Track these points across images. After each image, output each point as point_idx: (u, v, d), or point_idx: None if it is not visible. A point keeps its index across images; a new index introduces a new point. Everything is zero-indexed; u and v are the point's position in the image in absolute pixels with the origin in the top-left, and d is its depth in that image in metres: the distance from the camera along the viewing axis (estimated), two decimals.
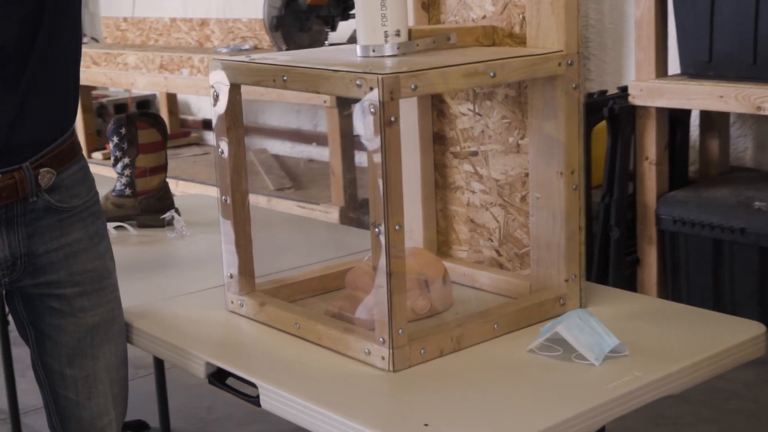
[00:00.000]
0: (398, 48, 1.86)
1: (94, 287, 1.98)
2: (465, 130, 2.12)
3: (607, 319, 1.95)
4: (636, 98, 4.11)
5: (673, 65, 4.23)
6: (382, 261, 1.69)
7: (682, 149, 4.44)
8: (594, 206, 4.33)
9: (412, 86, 1.67)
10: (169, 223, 2.78)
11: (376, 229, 1.70)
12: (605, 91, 4.41)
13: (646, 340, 1.89)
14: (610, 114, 4.14)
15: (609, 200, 4.22)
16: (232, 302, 2.06)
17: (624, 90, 4.21)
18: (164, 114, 6.64)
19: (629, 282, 4.32)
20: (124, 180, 2.83)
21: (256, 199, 5.07)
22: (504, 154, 2.05)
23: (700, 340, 1.89)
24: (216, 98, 2.00)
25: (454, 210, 2.18)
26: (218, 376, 1.89)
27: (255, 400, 1.80)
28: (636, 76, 4.20)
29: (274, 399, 1.75)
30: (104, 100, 6.77)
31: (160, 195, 2.85)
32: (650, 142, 4.16)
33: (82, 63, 6.74)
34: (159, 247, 2.67)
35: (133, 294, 2.25)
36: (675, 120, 4.34)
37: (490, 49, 1.98)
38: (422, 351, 1.77)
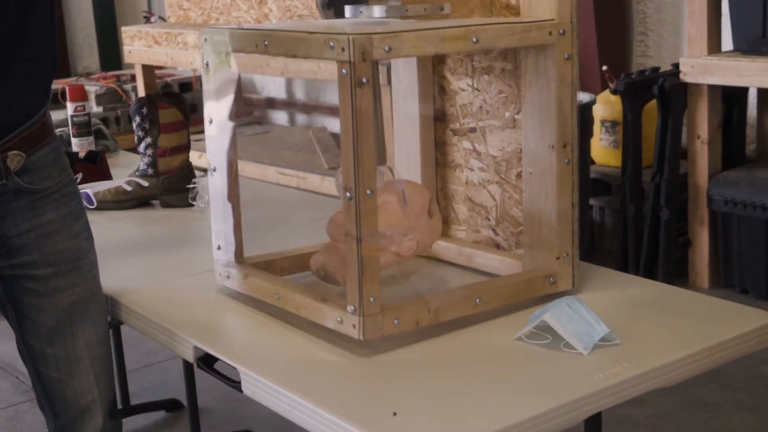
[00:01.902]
0: (386, 13, 1.82)
1: (69, 267, 1.96)
2: (464, 106, 2.06)
3: (604, 305, 1.88)
4: (687, 75, 4.00)
5: (728, 41, 4.10)
6: (353, 227, 1.65)
7: (738, 128, 4.31)
8: (646, 186, 4.23)
9: (386, 48, 1.62)
10: (193, 197, 2.76)
11: (347, 194, 1.66)
12: (657, 68, 4.30)
13: (642, 329, 1.80)
14: (661, 92, 4.03)
15: (659, 180, 4.12)
16: (220, 274, 2.05)
17: (677, 67, 4.09)
18: None
19: (680, 264, 4.22)
20: (146, 160, 2.82)
21: (308, 177, 5.05)
22: (501, 129, 2.00)
23: (700, 330, 1.79)
24: (207, 66, 1.98)
25: (454, 189, 2.13)
26: (206, 361, 1.87)
27: (238, 386, 1.78)
28: (688, 53, 4.08)
29: (254, 385, 1.72)
30: (169, 79, 6.81)
31: (183, 174, 2.83)
32: (702, 121, 4.04)
33: (144, 43, 6.69)
34: (175, 227, 2.65)
35: (134, 274, 2.25)
36: (731, 97, 4.21)
37: (484, 19, 1.92)
38: (396, 321, 1.71)
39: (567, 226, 1.88)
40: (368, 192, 1.65)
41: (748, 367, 3.41)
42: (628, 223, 4.23)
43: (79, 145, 3.27)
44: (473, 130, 2.05)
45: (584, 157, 4.33)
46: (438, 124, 2.14)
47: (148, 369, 3.73)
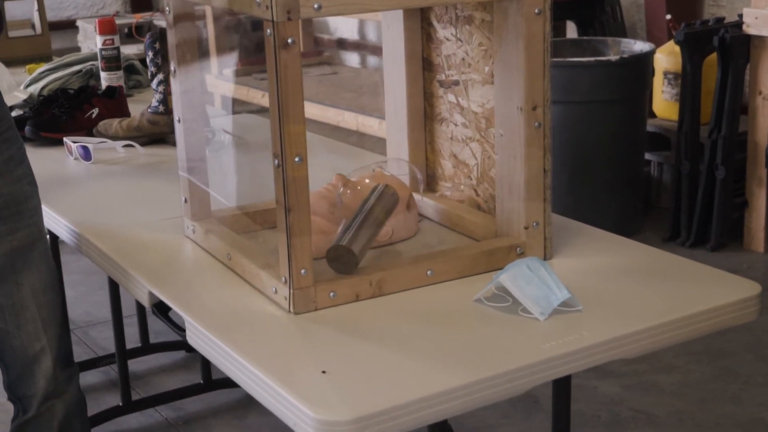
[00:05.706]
0: None
1: (11, 212, 1.93)
2: (449, 57, 1.94)
3: (579, 268, 1.78)
4: (750, 27, 3.79)
5: None
6: (281, 195, 1.56)
7: None
8: (704, 143, 4.04)
9: (315, 6, 1.52)
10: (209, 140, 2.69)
11: (276, 161, 1.56)
12: (722, 19, 4.09)
13: (613, 296, 1.68)
14: (721, 44, 3.84)
15: (716, 136, 3.94)
16: (187, 227, 1.99)
17: (742, 18, 3.88)
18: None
19: (736, 226, 4.03)
20: (158, 96, 2.76)
21: (367, 121, 4.95)
22: (481, 84, 1.87)
23: (676, 300, 1.66)
24: (168, 14, 1.93)
25: (440, 143, 2.02)
26: (160, 308, 1.82)
27: (184, 335, 1.73)
28: (753, 3, 3.86)
29: (197, 336, 1.68)
30: (242, 16, 6.75)
31: None
32: (764, 75, 3.84)
33: None
34: (165, 168, 2.58)
35: (111, 209, 2.21)
36: None
37: None
38: (332, 294, 1.63)
39: (537, 194, 1.75)
40: (297, 159, 1.55)
41: None
42: (682, 181, 4.05)
43: (107, 79, 3.23)
44: (457, 83, 1.93)
45: (641, 110, 4.15)
46: (426, 74, 2.02)
47: None
